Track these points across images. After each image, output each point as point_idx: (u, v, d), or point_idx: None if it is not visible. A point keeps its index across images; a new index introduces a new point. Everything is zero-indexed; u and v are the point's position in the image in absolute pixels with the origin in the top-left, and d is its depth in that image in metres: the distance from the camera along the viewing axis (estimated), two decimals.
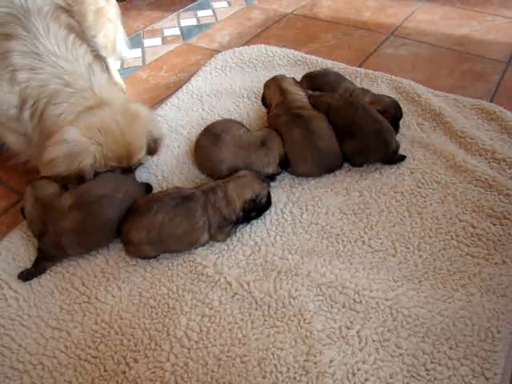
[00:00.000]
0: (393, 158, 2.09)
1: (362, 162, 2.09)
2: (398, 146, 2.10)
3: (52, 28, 1.81)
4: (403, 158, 2.11)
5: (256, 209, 1.84)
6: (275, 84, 2.23)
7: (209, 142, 2.02)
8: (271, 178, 2.02)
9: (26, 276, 1.72)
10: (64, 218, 1.69)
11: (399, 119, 2.22)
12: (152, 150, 1.97)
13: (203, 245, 1.79)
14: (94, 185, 1.76)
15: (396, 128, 2.19)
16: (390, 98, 2.26)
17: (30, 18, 1.78)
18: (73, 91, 1.76)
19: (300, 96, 2.16)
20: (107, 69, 2.33)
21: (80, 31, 1.97)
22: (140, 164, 1.97)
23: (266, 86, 2.28)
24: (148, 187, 1.95)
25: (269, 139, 2.01)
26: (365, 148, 2.04)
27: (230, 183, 1.80)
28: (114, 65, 2.68)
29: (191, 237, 1.74)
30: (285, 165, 2.02)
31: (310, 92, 2.25)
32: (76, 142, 1.70)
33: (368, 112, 2.07)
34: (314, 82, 2.39)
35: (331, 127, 2.05)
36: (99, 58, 1.97)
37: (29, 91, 1.74)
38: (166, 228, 1.68)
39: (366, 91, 2.31)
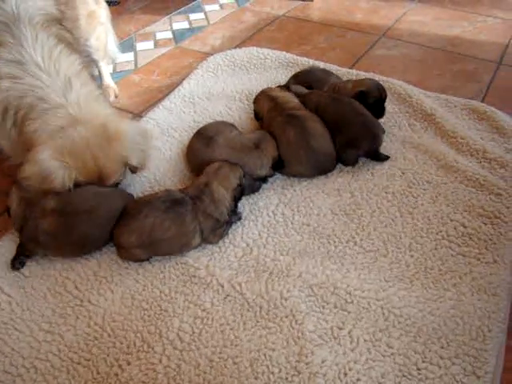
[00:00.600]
0: (379, 152, 2.12)
1: (352, 157, 2.10)
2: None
3: (40, 37, 1.79)
4: (387, 157, 2.14)
5: (242, 191, 1.87)
6: (263, 95, 2.26)
7: (201, 144, 2.02)
8: (264, 179, 2.02)
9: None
10: (43, 218, 1.71)
11: (384, 100, 2.25)
12: (132, 171, 1.91)
13: (196, 247, 1.80)
14: (78, 197, 1.75)
15: (382, 111, 2.24)
16: (372, 79, 2.31)
17: (20, 26, 1.77)
18: (47, 107, 1.72)
19: (290, 98, 2.18)
20: (99, 74, 2.33)
21: (71, 41, 1.96)
22: (118, 183, 1.90)
23: (256, 100, 2.28)
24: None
25: (263, 141, 2.01)
26: (353, 138, 2.06)
27: (212, 183, 1.80)
28: (106, 68, 2.69)
29: (182, 241, 1.74)
30: (278, 167, 2.03)
31: (300, 87, 2.28)
32: (46, 164, 1.68)
33: (353, 106, 2.12)
34: (301, 80, 2.42)
35: (326, 128, 2.06)
36: (89, 67, 1.94)
37: (10, 100, 1.74)
38: (156, 232, 1.69)
39: (348, 80, 2.36)
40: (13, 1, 1.81)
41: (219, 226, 1.79)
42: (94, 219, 1.74)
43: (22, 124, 1.74)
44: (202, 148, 2.02)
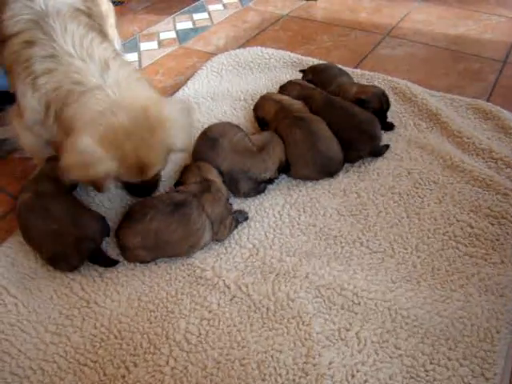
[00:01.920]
0: (381, 148, 2.13)
1: (355, 158, 2.10)
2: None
3: (69, 28, 1.74)
4: (387, 146, 2.15)
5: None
6: (266, 100, 2.25)
7: (206, 146, 2.02)
8: (269, 181, 2.02)
9: None
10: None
11: (385, 110, 2.23)
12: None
13: (205, 246, 1.79)
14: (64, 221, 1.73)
15: (384, 119, 2.23)
16: (377, 88, 2.29)
17: (49, 21, 1.74)
18: (84, 90, 1.63)
19: (293, 100, 2.18)
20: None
21: (101, 30, 1.93)
22: (159, 177, 1.84)
23: (259, 106, 2.27)
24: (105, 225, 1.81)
25: (270, 143, 2.00)
26: (350, 141, 2.05)
27: (207, 177, 1.85)
28: None
29: (190, 241, 1.73)
30: (285, 170, 2.03)
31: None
32: (89, 153, 1.57)
33: (345, 109, 2.12)
34: (319, 76, 2.44)
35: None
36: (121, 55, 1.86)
37: (48, 94, 1.69)
38: (162, 235, 1.69)
39: (353, 83, 2.35)
40: (41, 2, 1.79)
41: (227, 215, 1.80)
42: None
43: (60, 114, 1.67)
44: (207, 151, 2.01)
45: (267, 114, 2.19)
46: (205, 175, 1.86)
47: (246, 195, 1.99)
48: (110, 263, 1.75)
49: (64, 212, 1.72)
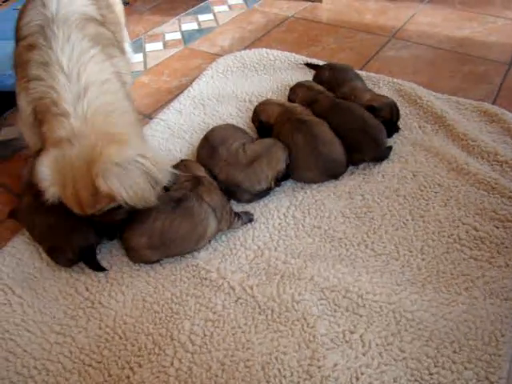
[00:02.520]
0: (384, 154, 2.13)
1: (359, 161, 2.11)
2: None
3: (73, 38, 1.74)
4: (390, 148, 2.15)
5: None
6: (269, 103, 2.25)
7: (206, 154, 2.04)
8: (267, 191, 1.99)
9: None
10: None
11: (395, 122, 2.23)
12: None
13: (212, 237, 1.80)
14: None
15: (391, 130, 2.22)
16: (389, 99, 2.27)
17: (53, 27, 1.74)
18: (56, 112, 1.65)
19: (296, 105, 2.19)
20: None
21: (110, 43, 1.90)
22: (116, 216, 1.72)
23: (260, 110, 2.25)
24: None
25: (266, 153, 1.97)
26: (355, 143, 2.05)
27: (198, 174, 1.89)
28: None
29: (197, 233, 1.74)
30: (284, 178, 2.02)
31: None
32: (42, 172, 1.60)
33: (352, 111, 2.12)
34: (335, 74, 2.46)
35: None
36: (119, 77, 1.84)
37: (35, 103, 1.71)
38: (167, 233, 1.70)
39: (367, 90, 2.36)
40: (53, 6, 1.80)
41: (226, 201, 1.83)
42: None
43: (40, 124, 1.71)
44: (206, 158, 2.03)
45: (270, 117, 2.19)
46: (193, 172, 1.90)
47: (248, 202, 1.99)
48: (96, 267, 1.76)
49: (58, 208, 1.70)
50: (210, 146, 2.03)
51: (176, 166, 1.94)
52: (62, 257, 1.76)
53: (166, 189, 1.80)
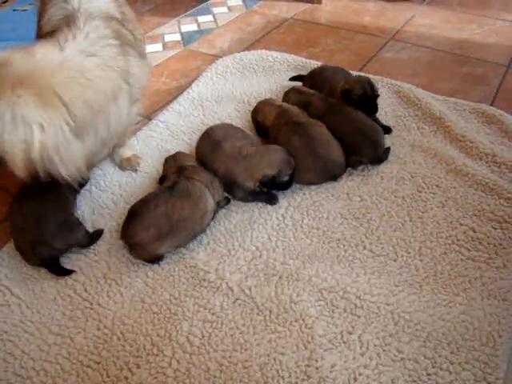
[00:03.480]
0: (382, 156, 2.13)
1: (357, 163, 2.11)
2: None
3: (96, 23, 1.74)
4: (388, 149, 2.16)
5: None
6: (266, 104, 2.26)
7: (208, 148, 2.04)
8: (260, 193, 1.99)
9: None
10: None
11: (373, 97, 2.20)
12: None
13: (213, 213, 1.85)
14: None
15: (372, 108, 2.20)
16: (362, 77, 2.31)
17: (76, 18, 1.72)
18: None
19: (292, 107, 2.19)
20: None
21: (129, 43, 1.88)
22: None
23: (257, 111, 2.26)
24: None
25: (263, 152, 1.98)
26: (352, 145, 2.06)
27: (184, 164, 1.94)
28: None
29: (200, 210, 1.78)
30: (282, 187, 1.99)
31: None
32: None
33: (348, 113, 2.13)
34: (315, 79, 2.47)
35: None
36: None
37: None
38: (173, 215, 1.72)
39: (341, 79, 2.31)
40: (75, 1, 1.79)
41: (213, 177, 1.91)
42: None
43: None
44: (207, 153, 2.03)
45: (267, 118, 2.19)
46: (181, 163, 1.94)
47: (241, 200, 2.00)
48: (62, 273, 1.75)
49: (32, 212, 1.74)
50: (213, 140, 2.04)
51: (166, 160, 2.02)
52: (28, 260, 1.77)
53: (163, 177, 1.91)
